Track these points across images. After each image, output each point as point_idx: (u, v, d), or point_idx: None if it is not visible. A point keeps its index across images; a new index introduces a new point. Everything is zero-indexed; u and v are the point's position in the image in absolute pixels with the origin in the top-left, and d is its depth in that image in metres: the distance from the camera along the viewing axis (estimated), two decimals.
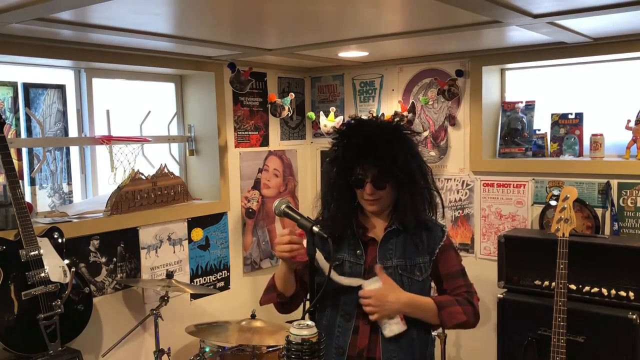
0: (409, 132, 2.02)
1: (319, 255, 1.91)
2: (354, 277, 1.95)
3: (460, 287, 2.00)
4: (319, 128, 3.99)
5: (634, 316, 2.75)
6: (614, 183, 3.18)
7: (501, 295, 3.17)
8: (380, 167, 1.89)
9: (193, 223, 3.60)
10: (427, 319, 1.94)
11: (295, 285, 2.05)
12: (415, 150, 2.00)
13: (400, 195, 1.96)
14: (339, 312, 1.98)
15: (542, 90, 3.59)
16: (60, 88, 3.19)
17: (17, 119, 3.01)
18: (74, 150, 3.29)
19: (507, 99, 3.71)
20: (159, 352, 2.99)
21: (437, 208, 2.08)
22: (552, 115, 3.49)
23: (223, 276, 3.82)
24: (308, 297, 2.01)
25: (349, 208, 2.01)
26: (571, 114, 3.43)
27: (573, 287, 2.92)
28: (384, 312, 1.87)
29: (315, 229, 1.75)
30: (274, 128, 4.11)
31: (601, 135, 3.29)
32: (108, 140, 3.26)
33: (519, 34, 2.85)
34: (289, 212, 1.82)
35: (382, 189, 1.92)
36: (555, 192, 3.31)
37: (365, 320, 1.92)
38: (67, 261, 2.74)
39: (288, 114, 3.89)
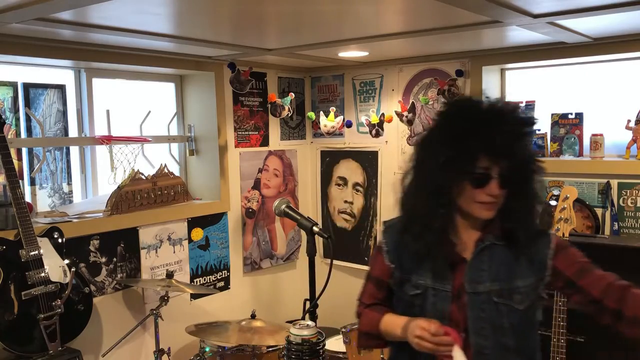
0: (535, 120, 1.64)
1: (390, 268, 1.65)
2: (438, 309, 1.59)
3: (605, 276, 1.60)
4: (319, 128, 3.99)
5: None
6: (614, 183, 3.18)
7: None
8: (513, 160, 1.52)
9: (193, 223, 3.60)
10: None
11: None
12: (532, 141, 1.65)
13: (515, 198, 1.57)
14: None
15: (542, 90, 3.58)
16: (60, 88, 3.19)
17: (17, 119, 3.01)
18: (74, 150, 3.29)
19: (507, 99, 3.70)
20: (159, 352, 2.98)
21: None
22: (552, 115, 3.48)
23: (223, 276, 3.82)
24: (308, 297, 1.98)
25: (448, 215, 1.60)
26: (571, 114, 3.42)
27: None
28: None
29: (315, 228, 1.74)
30: (274, 128, 4.11)
31: (601, 135, 3.28)
32: (108, 140, 3.26)
33: (519, 34, 2.85)
34: (289, 212, 1.82)
35: (507, 188, 1.55)
36: (555, 192, 3.30)
37: None
38: (67, 261, 2.74)
39: (288, 114, 3.89)
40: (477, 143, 1.50)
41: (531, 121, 1.60)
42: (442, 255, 1.60)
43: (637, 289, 1.56)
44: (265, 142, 4.06)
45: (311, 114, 4.05)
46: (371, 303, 1.79)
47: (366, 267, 4.45)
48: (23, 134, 3.04)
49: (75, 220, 3.02)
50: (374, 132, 3.73)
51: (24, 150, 3.07)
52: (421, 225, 1.58)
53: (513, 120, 1.56)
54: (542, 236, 1.64)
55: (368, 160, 4.10)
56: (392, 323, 1.65)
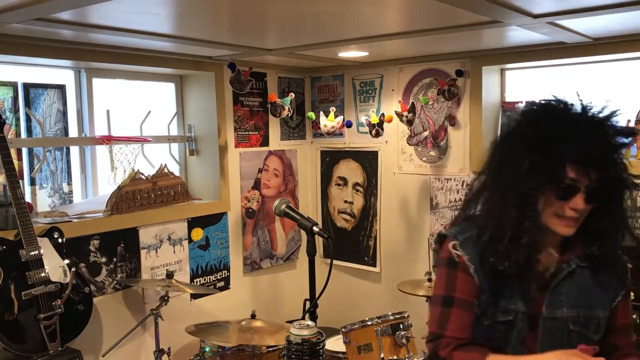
0: (634, 132, 1.47)
1: (479, 288, 1.44)
2: (522, 334, 1.45)
3: (631, 345, 1.52)
4: (319, 128, 3.98)
5: (634, 316, 2.75)
6: None
7: None
8: (604, 173, 1.36)
9: (193, 223, 3.60)
10: None
11: None
12: (623, 156, 1.43)
13: (601, 217, 1.42)
14: None
15: (542, 90, 3.58)
16: (60, 88, 3.19)
17: (17, 119, 3.01)
18: (74, 150, 3.29)
19: (507, 99, 3.71)
20: (159, 352, 2.99)
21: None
22: None
23: (223, 276, 3.82)
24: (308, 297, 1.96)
25: (536, 229, 1.41)
26: None
27: None
28: None
29: (315, 228, 1.73)
30: (274, 128, 4.11)
31: None
32: (108, 140, 3.26)
33: (519, 34, 2.85)
34: (289, 212, 1.82)
35: (594, 204, 1.40)
36: None
37: None
38: (67, 261, 2.74)
39: (288, 114, 3.89)
40: (568, 149, 1.34)
41: (633, 132, 1.45)
42: (533, 276, 1.44)
43: None
44: (265, 142, 4.06)
45: (311, 114, 4.05)
46: (463, 337, 1.46)
47: (366, 267, 4.45)
48: (23, 134, 3.04)
49: (75, 220, 3.02)
50: (374, 132, 3.73)
51: (24, 150, 3.07)
52: (509, 240, 1.39)
53: (611, 128, 1.40)
54: (620, 264, 1.51)
55: (368, 160, 4.10)
56: None
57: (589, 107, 1.42)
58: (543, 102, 1.46)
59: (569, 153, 1.34)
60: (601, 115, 1.42)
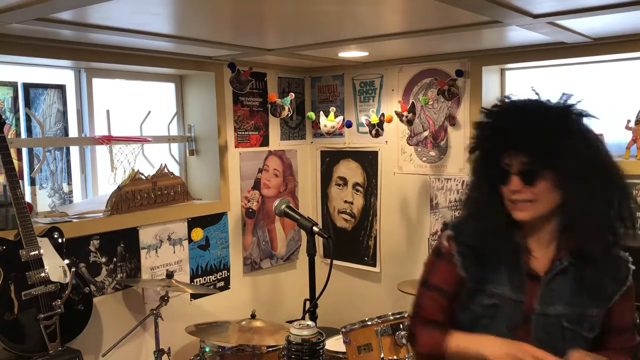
0: (579, 112, 1.50)
1: (460, 278, 1.50)
2: (512, 322, 1.47)
3: (628, 345, 1.51)
4: (319, 128, 3.98)
5: (634, 316, 2.75)
6: None
7: None
8: (530, 152, 1.40)
9: (193, 223, 3.60)
10: None
11: None
12: (594, 138, 1.48)
13: (570, 203, 1.42)
14: None
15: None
16: (60, 88, 3.19)
17: (17, 119, 3.01)
18: (74, 150, 3.29)
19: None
20: (159, 352, 2.98)
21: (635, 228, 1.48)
22: None
23: (223, 276, 3.82)
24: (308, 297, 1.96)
25: (501, 217, 1.47)
26: None
27: None
28: None
29: (315, 228, 1.73)
30: (274, 128, 4.11)
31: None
32: (108, 140, 3.26)
33: (519, 34, 2.85)
34: (289, 212, 1.81)
35: (531, 184, 1.42)
36: None
37: None
38: (67, 261, 2.74)
39: (288, 114, 3.89)
40: (497, 141, 1.45)
41: (563, 115, 1.45)
42: (516, 263, 1.47)
43: None
44: (265, 142, 4.06)
45: (311, 114, 4.05)
46: (432, 319, 1.56)
47: (366, 267, 4.46)
48: (23, 134, 3.04)
49: (75, 220, 3.02)
50: (374, 132, 3.73)
51: (24, 150, 3.07)
52: (478, 221, 1.49)
53: (538, 113, 1.45)
54: (621, 263, 1.49)
55: (368, 160, 4.10)
56: (469, 341, 1.46)
57: (520, 100, 1.51)
58: (496, 102, 1.55)
59: (495, 143, 1.45)
60: (530, 104, 1.49)
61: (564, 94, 1.52)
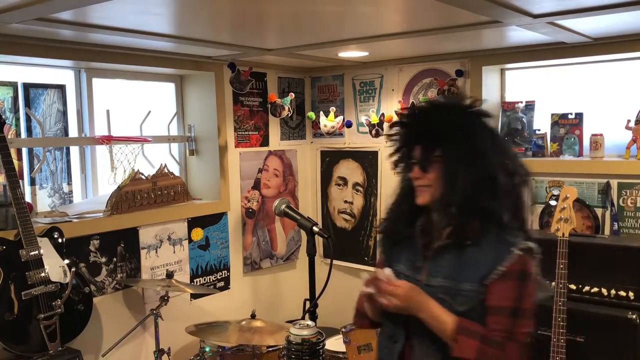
0: (474, 111, 1.69)
1: (382, 258, 1.80)
2: None
3: (499, 327, 1.57)
4: (319, 128, 3.99)
5: (634, 316, 2.75)
6: (614, 183, 3.18)
7: None
8: (423, 144, 1.66)
9: (193, 223, 3.60)
10: (439, 334, 1.60)
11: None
12: (476, 129, 1.66)
13: (449, 188, 1.63)
14: (383, 332, 1.78)
15: (542, 90, 3.59)
16: (60, 88, 3.19)
17: (17, 119, 3.01)
18: (74, 150, 3.29)
19: (507, 99, 3.71)
20: (159, 352, 2.99)
21: (524, 217, 1.67)
22: (552, 115, 3.49)
23: (223, 276, 3.82)
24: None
25: (406, 205, 1.74)
26: (571, 114, 3.42)
27: (573, 287, 2.92)
28: (407, 305, 1.59)
29: (315, 228, 1.74)
30: (274, 128, 4.11)
31: (601, 135, 3.28)
32: (108, 140, 3.26)
33: (519, 34, 2.85)
34: (289, 212, 1.81)
35: (425, 171, 1.66)
36: (555, 192, 3.31)
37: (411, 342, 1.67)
38: (67, 261, 2.74)
39: (288, 114, 3.89)
40: (405, 140, 1.73)
41: (455, 112, 1.68)
42: (414, 245, 1.71)
43: (476, 337, 1.55)
44: (265, 142, 4.06)
45: (311, 114, 4.05)
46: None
47: (366, 267, 4.45)
48: (23, 134, 3.04)
49: (75, 220, 3.02)
50: (374, 132, 3.73)
51: (24, 150, 3.07)
52: (388, 215, 1.78)
53: (432, 111, 1.74)
54: (505, 246, 1.60)
55: (368, 160, 4.10)
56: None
57: (427, 102, 1.81)
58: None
59: (404, 142, 1.73)
60: (424, 104, 1.82)
61: (474, 99, 1.74)
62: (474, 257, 1.60)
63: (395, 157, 1.78)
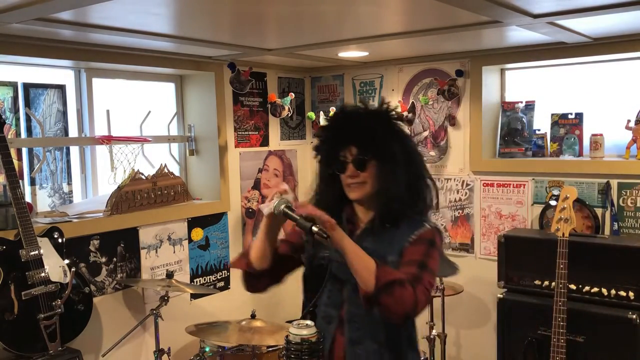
0: (394, 116, 1.92)
1: (302, 239, 1.93)
2: (337, 278, 1.87)
3: (411, 272, 1.74)
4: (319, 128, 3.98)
5: (634, 316, 2.75)
6: (614, 183, 3.18)
7: (501, 295, 3.17)
8: (359, 146, 1.82)
9: (193, 223, 3.60)
10: (362, 271, 1.69)
11: (270, 263, 1.95)
12: (402, 134, 1.91)
13: (379, 179, 1.83)
14: (320, 313, 1.92)
15: (542, 90, 3.59)
16: (60, 88, 3.19)
17: (17, 119, 3.01)
18: (74, 150, 3.29)
19: (507, 99, 3.71)
20: (159, 352, 2.99)
21: (432, 205, 1.91)
22: (552, 115, 3.49)
23: (223, 276, 3.82)
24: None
25: (332, 200, 1.90)
26: (571, 114, 3.43)
27: (573, 287, 2.92)
28: (333, 229, 1.71)
29: (314, 228, 1.72)
30: (274, 128, 4.11)
31: (601, 135, 3.29)
32: (108, 140, 3.26)
33: (519, 34, 2.85)
34: (288, 212, 1.81)
35: (362, 170, 1.82)
36: (555, 192, 3.31)
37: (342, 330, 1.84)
38: (67, 261, 2.74)
39: (288, 114, 3.89)
40: (334, 141, 1.86)
41: (380, 117, 1.86)
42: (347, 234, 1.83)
43: (395, 270, 1.74)
44: (265, 142, 4.06)
45: (311, 114, 4.05)
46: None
47: None
48: (23, 134, 3.04)
49: (75, 220, 3.02)
50: None
51: (24, 150, 3.07)
52: (316, 206, 1.87)
53: (362, 116, 1.87)
54: (416, 226, 1.83)
55: None
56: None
57: (350, 107, 1.94)
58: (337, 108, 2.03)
59: (333, 143, 1.86)
60: (358, 109, 1.91)
61: (383, 100, 1.93)
62: (394, 236, 1.82)
63: (323, 157, 1.92)
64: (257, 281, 2.03)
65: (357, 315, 1.81)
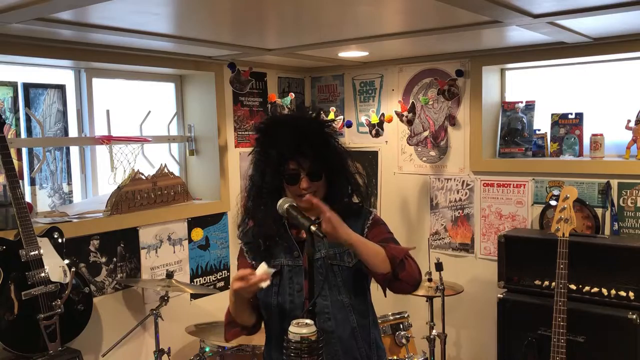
0: (325, 121, 2.01)
1: (252, 264, 1.94)
2: (294, 281, 1.91)
3: (399, 248, 1.90)
4: None
5: (634, 316, 2.75)
6: (614, 183, 3.18)
7: (501, 295, 3.17)
8: (315, 157, 1.86)
9: (193, 223, 3.60)
10: (375, 258, 1.80)
11: (254, 313, 1.97)
12: (336, 137, 1.98)
13: (329, 184, 1.92)
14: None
15: (542, 90, 3.59)
16: (60, 88, 3.20)
17: (17, 119, 3.01)
18: (74, 150, 3.29)
19: (507, 99, 3.71)
20: (159, 352, 2.99)
21: (364, 195, 2.03)
22: (552, 115, 3.49)
23: (223, 276, 3.82)
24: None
25: (272, 209, 1.88)
26: (571, 114, 3.43)
27: (573, 287, 2.92)
28: (338, 232, 1.74)
29: (313, 228, 1.72)
30: None
31: (601, 135, 3.29)
32: (108, 140, 3.26)
33: (519, 34, 2.85)
34: (292, 211, 1.81)
35: (319, 180, 1.88)
36: (555, 192, 3.31)
37: None
38: (67, 261, 2.74)
39: None
40: (287, 152, 1.84)
41: (320, 125, 1.93)
42: (286, 239, 1.93)
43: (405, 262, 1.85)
44: None
45: None
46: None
47: None
48: (23, 134, 3.04)
49: (75, 220, 3.02)
50: (374, 132, 3.73)
51: (24, 150, 3.07)
52: (259, 222, 1.93)
53: (308, 126, 1.91)
54: (364, 212, 1.99)
55: (368, 160, 4.10)
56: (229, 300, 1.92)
57: (285, 115, 1.97)
58: (266, 119, 2.07)
59: (285, 154, 1.84)
60: (297, 116, 1.98)
61: (320, 109, 2.03)
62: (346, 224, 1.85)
63: (269, 169, 1.89)
64: (255, 329, 2.03)
65: (326, 307, 1.89)
